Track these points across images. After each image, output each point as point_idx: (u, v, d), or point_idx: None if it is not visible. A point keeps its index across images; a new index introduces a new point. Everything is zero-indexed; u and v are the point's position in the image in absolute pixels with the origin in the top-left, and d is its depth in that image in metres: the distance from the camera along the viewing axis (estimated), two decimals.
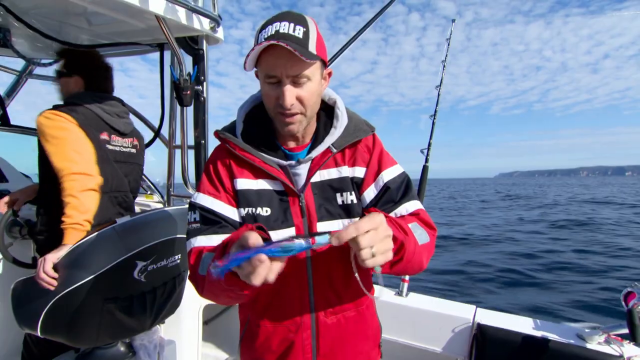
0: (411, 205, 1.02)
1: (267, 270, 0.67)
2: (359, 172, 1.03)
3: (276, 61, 0.86)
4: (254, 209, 0.97)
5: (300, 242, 0.67)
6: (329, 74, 1.01)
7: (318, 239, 0.68)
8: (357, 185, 1.03)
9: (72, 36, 2.21)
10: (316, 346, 1.01)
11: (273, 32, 0.85)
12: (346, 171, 1.02)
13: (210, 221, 0.97)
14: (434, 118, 2.57)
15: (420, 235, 0.93)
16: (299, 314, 1.00)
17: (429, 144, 2.56)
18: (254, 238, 0.69)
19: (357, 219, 0.98)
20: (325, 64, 0.97)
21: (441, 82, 2.57)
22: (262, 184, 0.99)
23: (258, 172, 0.99)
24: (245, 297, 0.86)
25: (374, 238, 0.70)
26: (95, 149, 1.72)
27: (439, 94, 2.64)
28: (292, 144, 1.04)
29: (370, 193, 1.02)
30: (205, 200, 0.99)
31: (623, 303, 1.66)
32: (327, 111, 1.07)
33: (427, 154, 2.54)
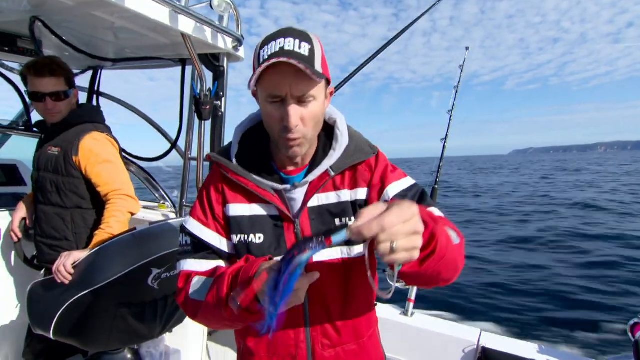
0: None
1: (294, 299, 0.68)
2: (361, 193, 0.96)
3: (282, 80, 0.80)
4: (246, 236, 0.94)
5: (315, 249, 0.62)
6: (331, 93, 0.96)
7: (335, 238, 0.61)
8: (361, 208, 0.92)
9: (99, 49, 2.31)
10: None
11: (277, 49, 0.79)
12: (346, 195, 0.95)
13: (199, 247, 0.96)
14: (445, 141, 2.61)
15: (450, 232, 0.79)
16: (294, 347, 0.95)
17: (439, 166, 2.59)
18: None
19: (355, 247, 0.94)
20: (328, 83, 0.91)
21: (453, 107, 2.61)
22: (255, 209, 0.95)
23: (252, 197, 0.95)
24: (246, 324, 0.83)
25: (398, 232, 0.59)
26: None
27: (450, 118, 2.68)
28: (289, 167, 0.98)
29: None
30: (194, 227, 0.97)
31: (630, 334, 1.66)
32: (327, 131, 1.00)
33: (437, 176, 2.57)
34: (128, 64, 2.57)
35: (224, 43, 1.98)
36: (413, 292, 2.32)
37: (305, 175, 0.96)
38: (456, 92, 2.64)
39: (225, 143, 2.36)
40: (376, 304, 1.09)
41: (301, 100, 0.83)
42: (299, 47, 0.80)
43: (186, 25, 1.73)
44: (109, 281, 1.51)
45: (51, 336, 1.56)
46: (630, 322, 1.69)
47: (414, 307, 2.31)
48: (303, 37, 0.82)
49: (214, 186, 0.98)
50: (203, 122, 2.20)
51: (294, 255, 0.62)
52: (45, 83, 1.72)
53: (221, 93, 2.22)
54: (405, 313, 2.30)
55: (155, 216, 2.73)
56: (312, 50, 0.82)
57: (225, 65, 2.20)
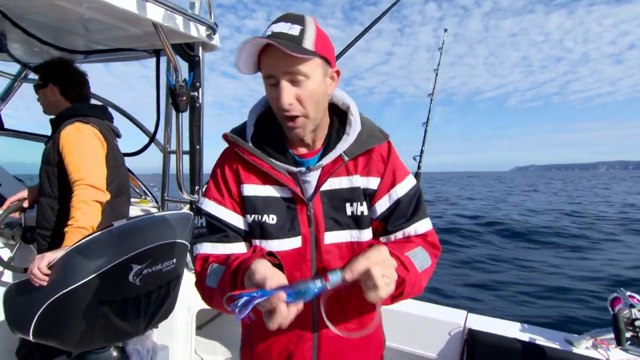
0: (421, 226, 1.01)
1: (283, 317, 0.69)
2: (373, 183, 1.00)
3: (271, 60, 0.84)
4: (260, 216, 0.96)
5: (316, 285, 0.70)
6: (337, 73, 0.96)
7: (331, 277, 0.72)
8: (370, 196, 1.00)
9: (69, 42, 2.23)
10: (316, 358, 1.00)
11: (269, 33, 0.83)
12: (358, 181, 0.98)
13: (216, 228, 0.97)
14: (427, 126, 2.60)
15: (422, 261, 0.94)
16: (300, 326, 0.98)
17: (422, 151, 2.59)
18: (275, 280, 0.72)
19: (365, 230, 1.00)
20: (329, 63, 0.91)
21: (434, 91, 2.60)
22: (269, 191, 0.97)
23: (266, 178, 0.97)
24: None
25: (384, 267, 0.74)
26: (116, 155, 1.94)
27: (431, 101, 2.67)
28: (302, 150, 1.00)
29: (382, 205, 1.00)
30: (210, 206, 0.98)
31: (609, 308, 1.70)
32: (340, 117, 1.02)
33: (420, 161, 2.57)
34: (100, 57, 2.49)
35: (197, 31, 1.93)
36: None
37: (320, 159, 0.98)
38: (436, 74, 2.63)
39: (205, 134, 2.33)
40: None
41: (294, 80, 0.85)
42: (289, 29, 0.84)
43: (156, 13, 1.68)
44: (87, 279, 1.47)
45: (31, 338, 1.52)
46: (610, 297, 1.73)
47: None
48: (296, 20, 0.86)
49: (229, 165, 1.00)
50: (180, 114, 2.15)
51: (296, 284, 0.70)
52: None
53: (198, 83, 2.17)
54: None
55: (136, 212, 2.68)
56: (302, 31, 0.84)
57: (200, 55, 2.15)
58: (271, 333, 0.98)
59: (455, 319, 2.11)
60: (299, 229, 0.96)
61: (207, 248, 0.97)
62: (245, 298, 0.66)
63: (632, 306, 1.62)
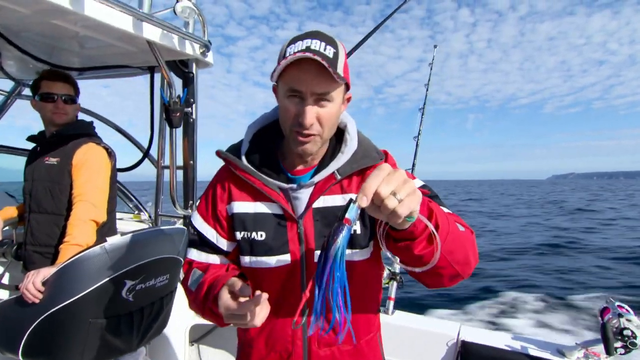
0: None
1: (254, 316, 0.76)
2: None
3: (304, 75, 0.82)
4: (249, 233, 0.96)
5: (342, 234, 0.63)
6: (348, 99, 0.97)
7: (349, 215, 0.64)
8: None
9: (63, 59, 2.24)
10: None
11: (304, 48, 0.82)
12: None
13: (200, 240, 1.04)
14: (418, 139, 2.65)
15: (455, 222, 0.81)
16: (290, 342, 0.96)
17: (414, 164, 2.63)
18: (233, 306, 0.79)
19: (358, 251, 0.96)
20: (348, 88, 0.93)
21: (424, 106, 2.66)
22: (260, 207, 0.96)
23: (257, 195, 0.97)
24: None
25: (391, 180, 0.62)
26: (114, 173, 1.98)
27: (422, 115, 2.72)
28: (297, 167, 0.99)
29: None
30: (196, 220, 1.05)
31: (599, 318, 1.73)
32: (337, 135, 1.00)
33: (412, 173, 2.61)
34: (94, 74, 2.51)
35: (192, 49, 1.96)
36: (393, 289, 2.35)
37: (312, 177, 0.96)
38: (427, 90, 2.69)
39: (199, 149, 2.34)
40: (379, 310, 1.11)
41: (319, 100, 0.85)
42: (324, 49, 0.83)
43: (151, 32, 1.70)
44: (80, 295, 1.46)
45: (20, 357, 1.50)
46: (600, 307, 1.76)
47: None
48: (329, 40, 0.85)
49: (221, 184, 1.02)
50: (174, 129, 2.17)
51: (327, 249, 0.64)
52: (59, 86, 1.90)
53: (192, 100, 2.20)
54: (385, 312, 2.32)
55: (129, 227, 2.68)
56: (336, 54, 0.85)
57: (194, 72, 2.18)
58: (264, 348, 0.99)
59: (449, 331, 2.12)
60: (287, 247, 0.95)
61: (194, 254, 1.04)
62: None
63: (620, 315, 1.65)
